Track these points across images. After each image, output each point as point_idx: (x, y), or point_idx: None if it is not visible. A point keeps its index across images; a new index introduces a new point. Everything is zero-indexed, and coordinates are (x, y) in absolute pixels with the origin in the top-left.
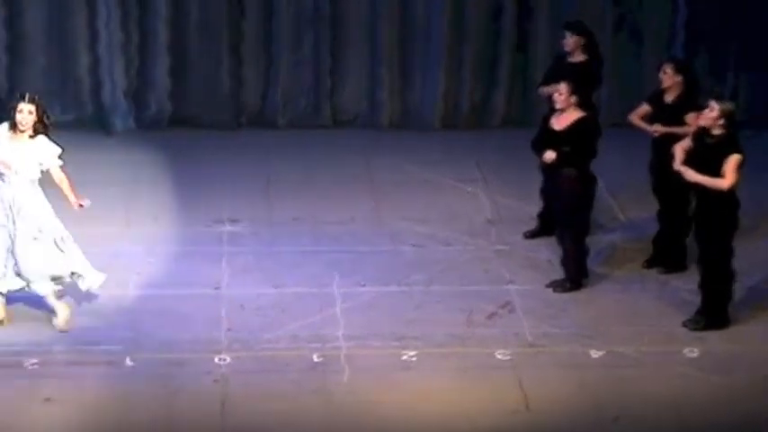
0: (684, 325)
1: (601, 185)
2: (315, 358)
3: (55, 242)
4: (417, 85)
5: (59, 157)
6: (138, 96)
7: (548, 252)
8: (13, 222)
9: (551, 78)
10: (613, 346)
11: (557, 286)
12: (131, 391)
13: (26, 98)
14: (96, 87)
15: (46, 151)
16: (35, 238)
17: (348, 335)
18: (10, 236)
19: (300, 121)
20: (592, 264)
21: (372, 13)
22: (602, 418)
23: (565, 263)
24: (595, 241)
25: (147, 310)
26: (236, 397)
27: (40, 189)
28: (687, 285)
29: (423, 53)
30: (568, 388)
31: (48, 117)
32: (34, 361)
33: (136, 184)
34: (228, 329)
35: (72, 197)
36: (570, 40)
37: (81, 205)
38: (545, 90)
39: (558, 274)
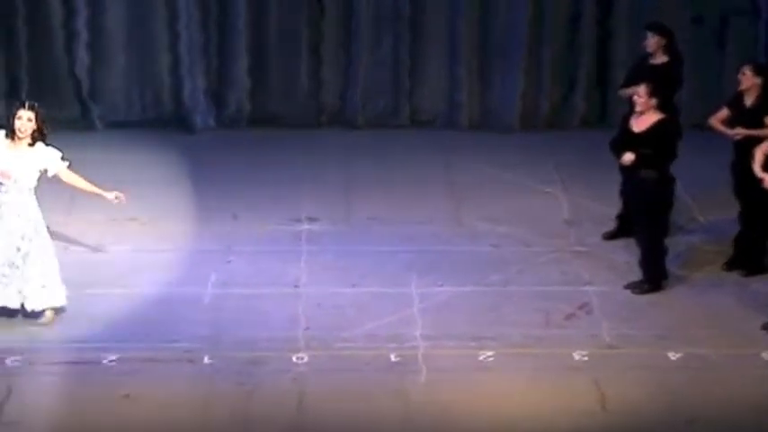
0: (764, 327)
1: (680, 187)
2: (392, 358)
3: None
4: (496, 85)
5: (63, 159)
6: (217, 96)
7: (626, 253)
8: (34, 233)
9: (633, 80)
10: (692, 348)
11: (635, 288)
12: (209, 388)
13: (26, 105)
14: (177, 87)
15: (48, 156)
16: (18, 248)
17: (425, 335)
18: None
19: (379, 121)
20: (670, 265)
21: (452, 13)
22: (680, 421)
23: (643, 264)
24: (674, 243)
25: (225, 308)
26: (313, 396)
27: (35, 198)
28: (767, 288)
29: (502, 54)
30: (646, 390)
31: (46, 126)
32: (113, 358)
33: (215, 183)
34: (306, 328)
35: (104, 193)
36: (652, 41)
37: (117, 197)
38: (625, 92)
39: (637, 275)
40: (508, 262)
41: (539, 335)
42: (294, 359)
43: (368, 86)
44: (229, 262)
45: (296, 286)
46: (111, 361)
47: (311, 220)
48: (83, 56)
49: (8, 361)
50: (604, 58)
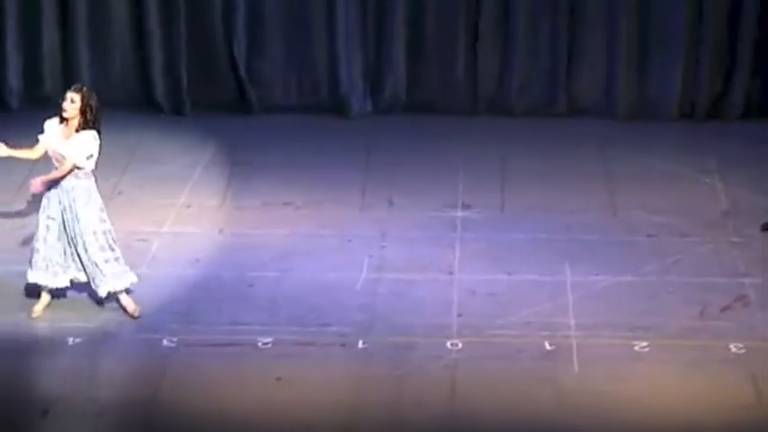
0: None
1: None
2: (546, 346)
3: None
4: (654, 75)
5: (87, 159)
6: (374, 82)
7: None
8: (62, 216)
9: None
10: None
11: None
12: (362, 373)
13: (72, 87)
14: (334, 73)
15: (78, 146)
16: (90, 235)
17: (579, 324)
18: (65, 229)
19: (536, 110)
20: None
21: (610, 0)
22: None
23: None
24: None
25: (379, 293)
26: (465, 382)
27: (92, 183)
28: None
29: (660, 43)
30: None
31: (91, 110)
32: (267, 340)
33: (371, 168)
34: (459, 315)
35: (39, 179)
36: None
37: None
38: None
39: None
40: (664, 252)
41: (694, 326)
42: (448, 345)
43: (524, 75)
44: (384, 247)
45: (450, 273)
46: (265, 343)
47: (466, 207)
48: (241, 41)
49: (165, 341)
50: (766, 49)
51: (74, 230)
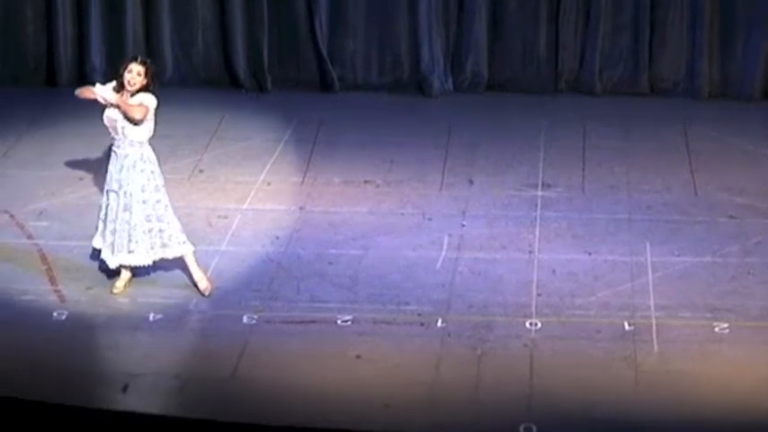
0: None
1: None
2: (625, 327)
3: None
4: (739, 53)
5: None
6: (455, 60)
7: None
8: (120, 187)
9: None
10: None
11: None
12: (440, 351)
13: (137, 59)
14: (415, 51)
15: (139, 99)
16: (137, 202)
17: (659, 304)
18: (117, 202)
19: (617, 89)
20: None
21: None
22: None
23: None
24: None
25: (458, 272)
26: (544, 362)
27: (146, 151)
28: None
29: (744, 21)
30: None
31: (155, 83)
32: (347, 318)
33: (451, 147)
34: (539, 294)
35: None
36: None
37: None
38: None
39: None
40: (746, 233)
41: None
42: (527, 325)
43: (607, 53)
44: (464, 226)
45: (530, 252)
46: (344, 321)
47: (547, 186)
48: (323, 19)
49: (245, 318)
50: None
51: (126, 196)
